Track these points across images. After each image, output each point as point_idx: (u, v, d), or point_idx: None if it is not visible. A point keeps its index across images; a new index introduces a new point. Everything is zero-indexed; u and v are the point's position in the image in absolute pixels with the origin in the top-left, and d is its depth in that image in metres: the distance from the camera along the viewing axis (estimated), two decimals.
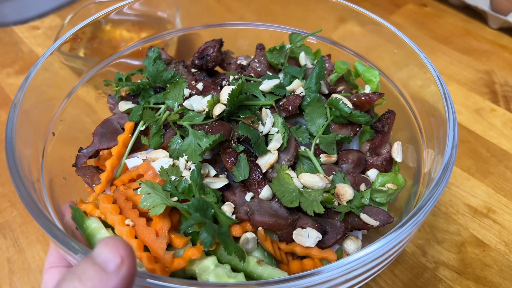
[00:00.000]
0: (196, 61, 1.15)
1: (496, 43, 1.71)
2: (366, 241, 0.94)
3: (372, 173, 0.98)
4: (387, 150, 1.00)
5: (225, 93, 0.91)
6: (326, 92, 1.06)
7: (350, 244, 0.90)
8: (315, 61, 1.18)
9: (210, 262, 0.80)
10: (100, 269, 0.52)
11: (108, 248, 0.53)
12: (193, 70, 1.17)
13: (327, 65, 1.13)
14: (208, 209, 0.80)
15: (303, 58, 1.12)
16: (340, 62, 1.09)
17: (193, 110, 0.95)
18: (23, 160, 0.82)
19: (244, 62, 1.17)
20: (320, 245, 0.86)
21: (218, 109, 0.89)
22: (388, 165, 1.00)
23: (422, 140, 1.00)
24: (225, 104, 0.90)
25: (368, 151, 1.01)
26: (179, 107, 0.96)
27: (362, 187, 0.93)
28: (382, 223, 0.87)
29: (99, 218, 0.87)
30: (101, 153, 1.03)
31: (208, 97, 0.94)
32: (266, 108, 0.95)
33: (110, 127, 1.02)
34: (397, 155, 0.99)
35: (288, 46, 1.11)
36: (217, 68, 1.22)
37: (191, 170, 0.84)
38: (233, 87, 0.89)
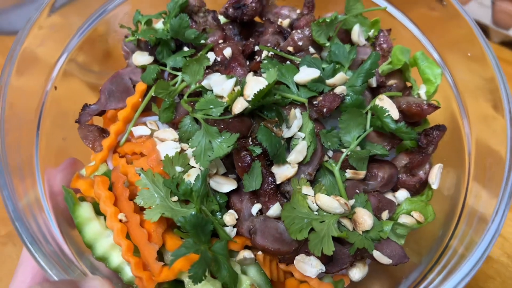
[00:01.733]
0: (230, 11, 0.97)
1: (497, 57, 1.57)
2: (374, 265, 0.87)
3: (400, 195, 0.87)
4: (425, 172, 0.87)
5: (251, 87, 0.76)
6: (374, 85, 0.89)
7: (355, 273, 0.83)
8: (370, 32, 0.98)
9: None
10: None
11: None
12: (223, 20, 0.99)
13: (384, 45, 0.95)
14: (206, 225, 0.72)
15: (356, 34, 0.92)
16: (399, 51, 0.90)
17: (211, 91, 0.82)
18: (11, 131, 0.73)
19: (286, 22, 0.98)
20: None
21: (239, 106, 0.75)
22: (421, 187, 0.88)
23: (468, 169, 0.86)
24: (248, 101, 0.76)
25: (403, 167, 0.88)
26: (197, 85, 0.83)
27: (385, 215, 0.82)
28: (394, 263, 0.79)
29: (93, 198, 0.81)
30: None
31: (231, 83, 0.79)
32: (295, 108, 0.80)
33: (120, 83, 0.90)
34: (435, 182, 0.86)
35: (341, 17, 0.91)
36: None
37: (196, 176, 0.74)
38: (262, 86, 0.74)
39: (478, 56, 0.83)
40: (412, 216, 0.84)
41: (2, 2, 1.43)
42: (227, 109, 0.78)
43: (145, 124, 0.89)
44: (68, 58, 0.88)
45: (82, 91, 0.93)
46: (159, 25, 0.98)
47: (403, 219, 0.83)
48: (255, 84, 0.76)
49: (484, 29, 1.63)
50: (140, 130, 0.87)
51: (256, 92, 0.73)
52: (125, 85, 0.90)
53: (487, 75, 0.83)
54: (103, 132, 0.89)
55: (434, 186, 0.86)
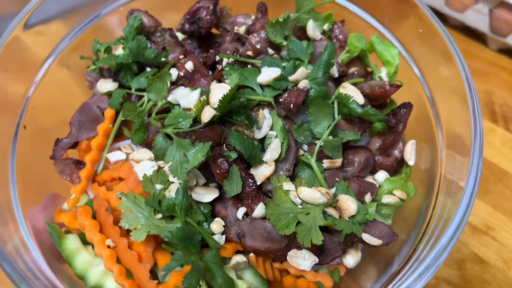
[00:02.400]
0: (186, 26, 0.99)
1: (495, 64, 1.69)
2: (366, 250, 0.88)
3: (380, 177, 0.88)
4: (399, 150, 0.89)
5: (216, 94, 0.78)
6: (336, 75, 0.91)
7: (349, 259, 0.84)
8: (325, 26, 1.01)
9: None
10: None
11: None
12: (181, 36, 1.01)
13: (340, 36, 0.97)
14: (194, 236, 0.73)
15: (311, 29, 0.95)
16: (355, 38, 0.92)
17: (179, 105, 0.83)
18: None
19: (243, 29, 1.00)
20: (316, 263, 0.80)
21: (207, 115, 0.77)
22: (398, 166, 0.90)
23: (439, 138, 0.88)
24: (215, 109, 0.77)
25: (377, 149, 0.90)
26: (163, 101, 0.84)
27: (367, 197, 0.84)
28: (385, 242, 0.80)
29: (78, 230, 0.81)
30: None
31: (196, 94, 0.81)
32: (263, 108, 0.82)
33: (89, 113, 0.91)
34: (410, 158, 0.88)
35: (293, 15, 0.93)
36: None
37: (176, 190, 0.75)
38: (226, 91, 0.75)
39: (428, 31, 0.86)
40: (395, 194, 0.86)
41: (5, 8, 1.41)
42: (196, 120, 0.79)
43: (119, 149, 0.89)
44: (34, 94, 0.89)
45: (52, 125, 0.94)
46: (119, 51, 0.99)
47: (386, 199, 0.85)
48: (219, 91, 0.78)
49: (482, 36, 1.69)
50: (115, 156, 0.88)
51: (221, 98, 0.75)
52: (94, 114, 0.90)
53: (441, 46, 0.85)
54: (80, 164, 0.89)
55: (411, 162, 0.88)
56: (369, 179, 0.89)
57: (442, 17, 1.63)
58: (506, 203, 1.26)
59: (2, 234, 0.70)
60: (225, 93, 0.74)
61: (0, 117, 0.82)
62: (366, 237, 0.79)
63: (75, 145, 0.91)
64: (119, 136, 0.91)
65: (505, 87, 1.60)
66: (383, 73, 0.93)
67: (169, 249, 0.73)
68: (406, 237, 0.83)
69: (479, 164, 0.76)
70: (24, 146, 0.86)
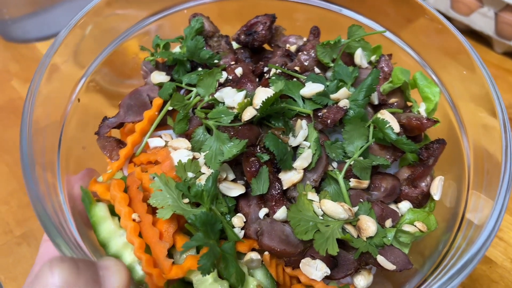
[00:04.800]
0: (242, 37, 1.05)
1: (501, 67, 1.71)
2: (379, 275, 0.88)
3: (403, 206, 0.90)
4: (427, 184, 0.91)
5: (260, 97, 0.82)
6: (376, 103, 0.94)
7: (360, 280, 0.84)
8: (372, 57, 1.05)
9: (209, 275, 0.77)
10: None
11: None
12: (235, 45, 1.08)
13: (385, 68, 1.01)
14: (216, 224, 0.76)
15: (358, 57, 0.99)
16: (399, 71, 0.96)
17: (223, 103, 0.88)
18: (38, 137, 0.79)
19: (294, 48, 1.05)
20: (328, 276, 0.81)
21: (248, 114, 0.81)
22: (423, 199, 0.91)
23: (467, 180, 0.89)
24: (256, 110, 0.81)
25: (405, 179, 0.91)
26: (210, 97, 0.89)
27: (388, 223, 0.85)
28: (398, 269, 0.80)
29: (109, 201, 0.85)
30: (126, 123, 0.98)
31: (241, 95, 0.86)
32: (301, 119, 0.86)
33: (139, 99, 0.97)
34: (436, 193, 0.89)
35: (344, 41, 0.98)
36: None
37: (207, 177, 0.79)
38: (270, 94, 0.80)
39: (472, 73, 0.89)
40: (415, 226, 0.87)
41: (17, 11, 1.51)
42: (237, 118, 0.83)
43: (160, 136, 0.94)
44: (92, 73, 0.96)
45: (102, 105, 1.00)
46: (176, 49, 1.06)
47: (406, 228, 0.86)
48: (263, 94, 0.82)
49: (487, 39, 1.70)
50: (155, 142, 0.93)
51: (264, 100, 0.79)
52: (143, 101, 0.96)
53: (482, 93, 0.88)
54: (120, 143, 0.94)
55: (436, 197, 0.89)
56: (392, 206, 0.90)
57: (448, 20, 1.65)
58: None
59: (45, 190, 0.75)
60: (269, 96, 0.79)
61: (61, 86, 0.89)
62: (381, 259, 0.80)
63: (119, 125, 0.96)
64: (162, 125, 0.97)
65: (510, 90, 1.61)
66: (422, 108, 0.96)
67: (190, 229, 0.76)
68: (420, 268, 0.83)
69: (501, 212, 0.77)
70: (74, 118, 0.92)
